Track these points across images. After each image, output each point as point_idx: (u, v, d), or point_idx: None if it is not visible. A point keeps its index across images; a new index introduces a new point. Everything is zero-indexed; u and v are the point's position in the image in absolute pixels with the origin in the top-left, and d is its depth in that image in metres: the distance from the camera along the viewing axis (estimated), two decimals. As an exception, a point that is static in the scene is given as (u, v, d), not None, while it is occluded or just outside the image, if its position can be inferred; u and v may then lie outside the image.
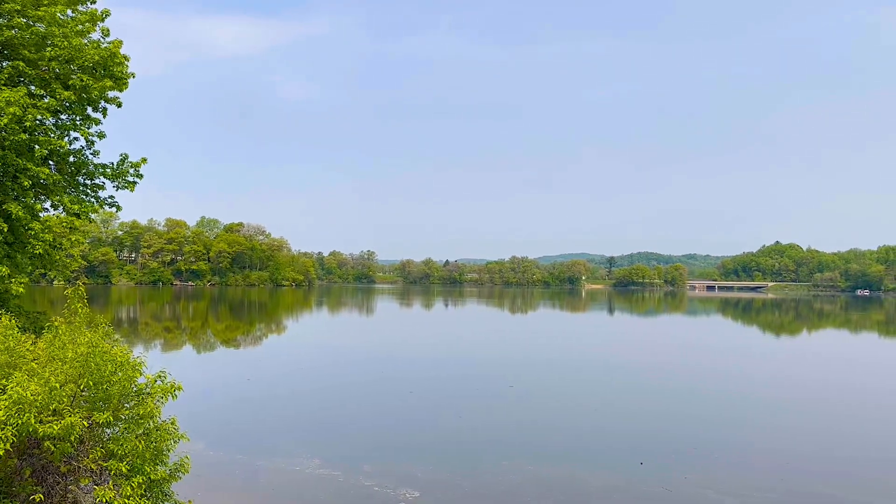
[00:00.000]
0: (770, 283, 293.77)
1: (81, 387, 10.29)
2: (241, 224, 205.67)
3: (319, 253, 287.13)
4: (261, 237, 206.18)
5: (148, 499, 10.38)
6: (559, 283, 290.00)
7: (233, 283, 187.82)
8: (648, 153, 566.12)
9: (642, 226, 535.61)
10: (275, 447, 18.92)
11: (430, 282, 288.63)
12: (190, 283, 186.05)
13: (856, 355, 51.92)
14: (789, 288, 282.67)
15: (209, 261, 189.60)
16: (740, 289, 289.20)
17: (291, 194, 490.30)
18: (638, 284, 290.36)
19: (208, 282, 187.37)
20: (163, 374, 11.18)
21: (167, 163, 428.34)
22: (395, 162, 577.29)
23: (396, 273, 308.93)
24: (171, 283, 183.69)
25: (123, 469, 9.81)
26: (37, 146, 15.84)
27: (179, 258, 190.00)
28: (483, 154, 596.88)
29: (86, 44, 16.79)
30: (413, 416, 23.58)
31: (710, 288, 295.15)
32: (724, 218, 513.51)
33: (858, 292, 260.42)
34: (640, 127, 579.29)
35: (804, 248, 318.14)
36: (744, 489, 15.78)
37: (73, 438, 9.64)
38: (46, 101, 16.12)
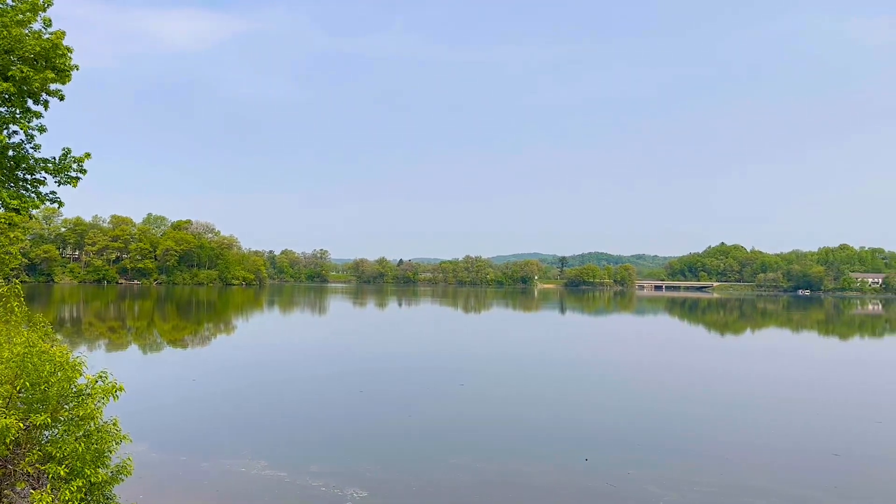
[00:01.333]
0: (715, 283, 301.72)
1: (18, 388, 10.05)
2: (189, 221, 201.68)
3: (271, 251, 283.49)
4: (210, 235, 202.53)
5: (88, 502, 10.19)
6: (512, 283, 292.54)
7: (180, 281, 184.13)
8: (597, 155, 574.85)
9: (593, 226, 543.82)
10: (220, 448, 18.70)
11: (384, 281, 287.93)
12: (136, 281, 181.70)
13: (799, 352, 53.77)
14: (734, 288, 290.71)
15: (156, 259, 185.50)
16: (687, 288, 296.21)
17: (242, 192, 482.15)
18: (589, 284, 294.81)
19: (155, 280, 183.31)
20: (104, 375, 10.98)
21: (114, 158, 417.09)
22: (349, 160, 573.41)
23: (350, 272, 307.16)
24: (117, 282, 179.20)
25: (62, 472, 9.61)
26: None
27: (125, 256, 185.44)
28: (437, 153, 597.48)
29: (26, 34, 16.29)
30: (363, 415, 23.55)
31: (658, 288, 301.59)
32: (672, 219, 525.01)
33: (800, 292, 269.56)
34: (587, 130, 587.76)
35: (748, 250, 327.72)
36: (685, 483, 16.25)
37: (8, 441, 9.41)
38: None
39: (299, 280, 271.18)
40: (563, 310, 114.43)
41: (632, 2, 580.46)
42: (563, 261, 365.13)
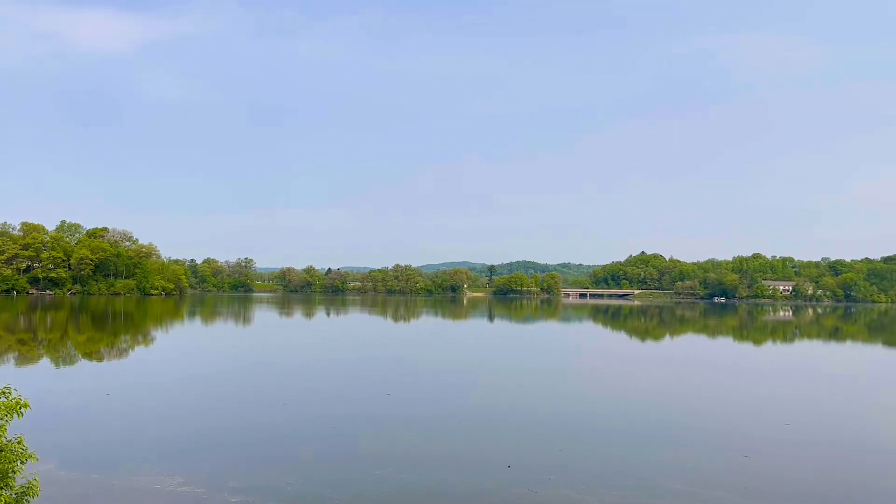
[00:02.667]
0: (636, 291, 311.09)
1: None
2: (105, 229, 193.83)
3: (192, 260, 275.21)
4: (127, 243, 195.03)
5: (-12, 526, 9.70)
6: (442, 291, 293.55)
7: (96, 291, 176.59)
8: (526, 167, 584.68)
9: (521, 235, 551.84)
10: (134, 465, 18.03)
11: (312, 290, 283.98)
12: (48, 291, 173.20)
13: (712, 357, 55.97)
14: (654, 295, 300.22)
15: (70, 268, 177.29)
16: (610, 296, 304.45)
17: (163, 198, 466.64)
18: (517, 292, 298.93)
19: (69, 290, 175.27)
20: (7, 391, 10.51)
21: (25, 163, 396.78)
22: (277, 166, 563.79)
23: (276, 281, 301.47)
24: (28, 292, 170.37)
25: (-41, 495, 9.11)
26: None
27: (37, 265, 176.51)
28: (367, 160, 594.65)
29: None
30: (285, 429, 23.16)
31: (583, 295, 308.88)
32: (596, 228, 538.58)
33: (715, 299, 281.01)
34: (518, 140, 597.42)
35: (667, 258, 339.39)
36: (602, 487, 16.69)
37: None
38: None
39: (222, 290, 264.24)
40: (491, 318, 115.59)
41: (565, 21, 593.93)
42: (491, 269, 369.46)
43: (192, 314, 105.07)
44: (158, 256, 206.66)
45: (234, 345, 57.78)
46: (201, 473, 17.29)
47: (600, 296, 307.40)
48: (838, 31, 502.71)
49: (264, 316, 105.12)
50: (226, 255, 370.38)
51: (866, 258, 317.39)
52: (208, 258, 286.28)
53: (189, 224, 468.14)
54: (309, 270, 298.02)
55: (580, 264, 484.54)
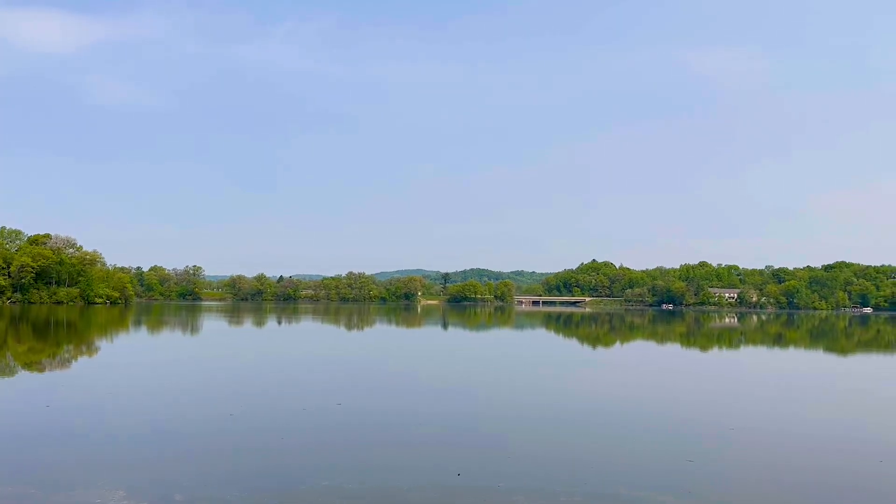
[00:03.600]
0: (588, 298, 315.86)
1: None
2: (48, 236, 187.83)
3: (139, 268, 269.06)
4: (71, 250, 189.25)
5: None
6: (396, 299, 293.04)
7: (37, 300, 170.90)
8: (481, 175, 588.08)
9: (475, 243, 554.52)
10: (74, 480, 17.43)
11: (263, 298, 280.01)
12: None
13: (659, 363, 57.06)
14: (604, 303, 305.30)
15: (10, 276, 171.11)
16: (562, 303, 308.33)
17: (109, 205, 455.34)
18: (471, 300, 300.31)
19: (8, 299, 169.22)
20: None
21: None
22: (226, 173, 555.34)
23: (226, 290, 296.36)
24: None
25: None
26: None
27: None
28: (318, 169, 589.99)
29: None
30: (231, 439, 22.69)
31: (536, 303, 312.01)
32: (548, 236, 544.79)
33: (663, 306, 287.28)
34: (473, 151, 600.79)
35: (617, 266, 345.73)
36: (550, 493, 16.81)
37: None
38: None
39: (169, 298, 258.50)
40: (444, 326, 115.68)
41: (520, 30, 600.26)
42: (445, 277, 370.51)
43: (136, 323, 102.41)
44: (103, 264, 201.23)
45: (180, 354, 56.47)
46: (145, 487, 16.81)
47: (553, 303, 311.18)
48: (787, 43, 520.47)
49: (212, 325, 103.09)
50: (174, 262, 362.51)
51: (808, 266, 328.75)
52: (155, 266, 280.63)
53: (135, 231, 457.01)
54: (260, 278, 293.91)
55: (533, 272, 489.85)
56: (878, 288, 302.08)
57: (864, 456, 22.05)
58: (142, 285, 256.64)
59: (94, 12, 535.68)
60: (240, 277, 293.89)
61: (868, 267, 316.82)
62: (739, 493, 17.54)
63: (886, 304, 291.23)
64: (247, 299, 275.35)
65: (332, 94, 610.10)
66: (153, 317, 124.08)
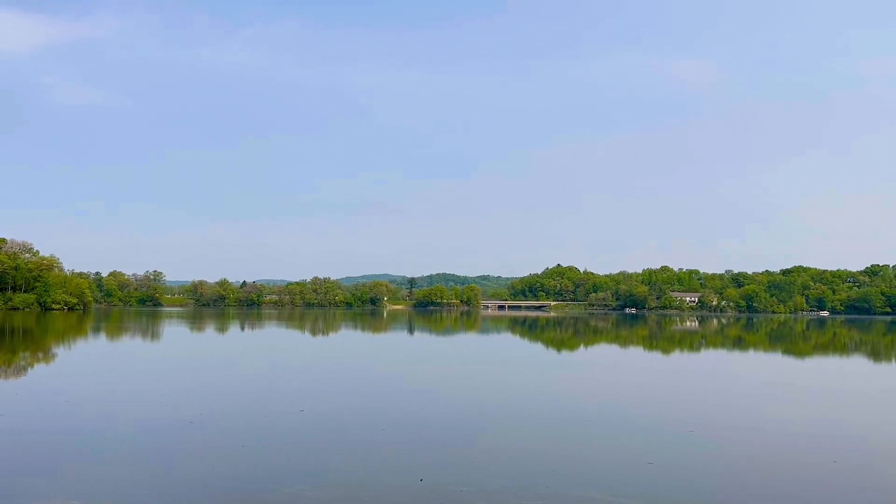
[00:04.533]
0: (553, 303, 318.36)
1: None
2: (3, 240, 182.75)
3: (98, 273, 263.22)
4: (27, 255, 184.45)
5: None
6: (361, 304, 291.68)
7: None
8: (445, 181, 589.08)
9: (442, 248, 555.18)
10: (26, 489, 16.92)
11: (226, 304, 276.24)
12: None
13: (623, 365, 57.66)
14: (569, 307, 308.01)
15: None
16: (527, 308, 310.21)
17: (67, 208, 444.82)
18: (437, 304, 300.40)
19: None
20: None
21: None
22: (187, 176, 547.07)
23: (187, 295, 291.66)
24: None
25: None
26: None
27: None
28: (281, 171, 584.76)
29: None
30: (190, 447, 22.29)
31: (501, 307, 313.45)
32: (514, 241, 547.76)
33: (627, 310, 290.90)
34: (439, 153, 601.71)
35: (581, 271, 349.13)
36: (513, 497, 16.84)
37: None
38: None
39: (129, 304, 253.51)
40: (411, 330, 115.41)
41: (482, 35, 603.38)
42: (412, 282, 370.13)
43: (95, 330, 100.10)
44: (61, 269, 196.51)
45: (137, 361, 55.31)
46: (101, 496, 16.41)
47: (518, 307, 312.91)
48: (738, 56, 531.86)
49: (172, 331, 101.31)
50: (134, 268, 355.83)
51: (767, 271, 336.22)
52: (114, 271, 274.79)
53: (94, 236, 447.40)
54: (222, 283, 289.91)
55: (499, 276, 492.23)
56: (834, 292, 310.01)
57: (818, 456, 22.55)
58: (101, 291, 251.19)
59: (51, 12, 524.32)
60: (201, 283, 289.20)
61: (825, 271, 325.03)
62: (697, 494, 17.78)
63: (842, 308, 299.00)
64: (209, 305, 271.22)
65: (297, 96, 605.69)
66: (112, 323, 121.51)
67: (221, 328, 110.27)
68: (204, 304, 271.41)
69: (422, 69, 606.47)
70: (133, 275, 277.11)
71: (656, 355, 73.56)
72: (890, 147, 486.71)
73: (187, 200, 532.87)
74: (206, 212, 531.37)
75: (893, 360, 72.33)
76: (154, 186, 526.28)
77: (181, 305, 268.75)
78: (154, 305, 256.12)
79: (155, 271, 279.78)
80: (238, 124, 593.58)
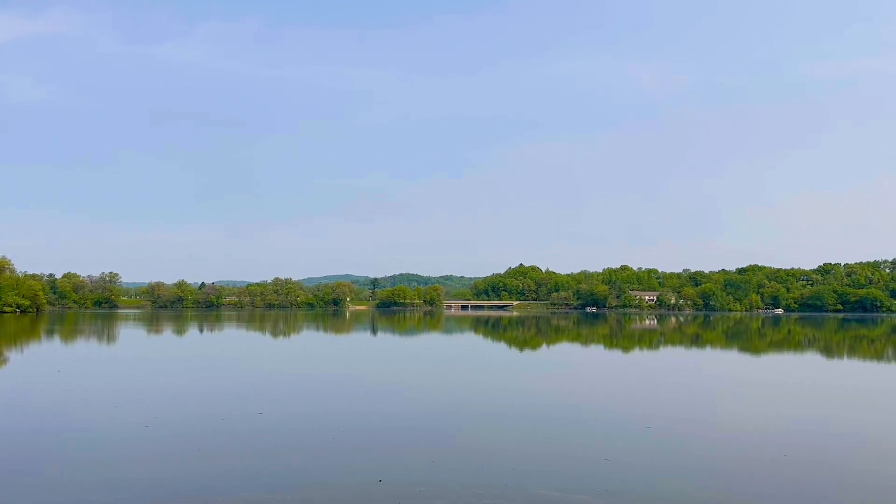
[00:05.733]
0: (515, 302, 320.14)
1: None
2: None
3: (51, 275, 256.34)
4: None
5: None
6: (324, 305, 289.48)
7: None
8: (408, 181, 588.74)
9: (404, 249, 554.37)
10: (-31, 499, 16.39)
11: (184, 306, 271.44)
12: None
13: (582, 363, 58.28)
14: (531, 306, 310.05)
15: None
16: (490, 307, 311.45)
17: (19, 207, 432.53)
18: (400, 305, 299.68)
19: None
20: None
21: None
22: (144, 175, 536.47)
23: (144, 297, 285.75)
24: None
25: None
26: None
27: None
28: (239, 170, 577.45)
29: None
30: (146, 452, 21.84)
31: (465, 307, 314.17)
32: (477, 242, 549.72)
33: (588, 309, 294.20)
34: (402, 155, 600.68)
35: (543, 270, 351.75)
36: (472, 496, 16.89)
37: None
38: None
39: (84, 306, 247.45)
40: (374, 331, 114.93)
41: (451, 35, 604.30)
42: (374, 282, 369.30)
43: (49, 332, 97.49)
44: (13, 271, 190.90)
45: (92, 364, 53.99)
46: (53, 502, 15.99)
47: (481, 307, 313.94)
48: (696, 59, 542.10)
49: (128, 333, 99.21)
50: (89, 269, 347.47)
51: (723, 270, 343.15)
52: (68, 272, 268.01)
53: (47, 237, 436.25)
54: (180, 285, 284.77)
55: (462, 276, 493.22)
56: (788, 290, 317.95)
57: (770, 450, 23.07)
58: (55, 293, 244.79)
59: (4, 7, 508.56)
60: (159, 284, 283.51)
61: (779, 270, 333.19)
62: (651, 489, 18.06)
63: (796, 306, 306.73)
64: (166, 307, 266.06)
65: (259, 93, 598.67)
66: (66, 326, 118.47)
67: (179, 330, 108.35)
68: (161, 306, 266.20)
69: (386, 69, 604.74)
70: (88, 276, 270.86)
71: (616, 353, 74.54)
72: (841, 148, 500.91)
73: (144, 200, 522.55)
74: (163, 212, 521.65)
75: (845, 356, 74.46)
76: (110, 186, 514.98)
77: (138, 307, 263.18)
78: (110, 307, 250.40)
79: (111, 273, 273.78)
80: (197, 122, 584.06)
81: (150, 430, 25.03)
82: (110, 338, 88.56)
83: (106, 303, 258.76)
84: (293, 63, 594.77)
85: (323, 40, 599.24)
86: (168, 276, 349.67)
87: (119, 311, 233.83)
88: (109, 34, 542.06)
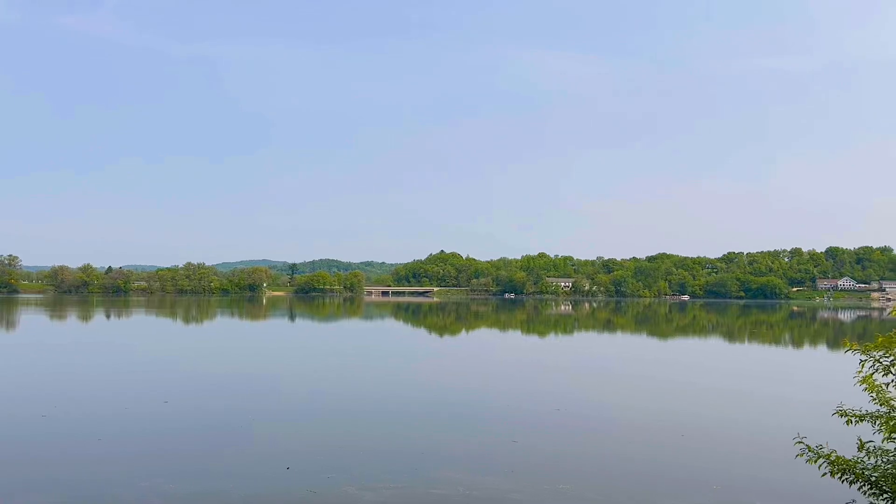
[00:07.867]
0: (436, 288, 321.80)
1: None
2: None
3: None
4: None
5: None
6: (239, 291, 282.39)
7: None
8: (323, 166, 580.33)
9: (324, 234, 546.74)
10: None
11: (89, 291, 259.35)
12: None
13: (499, 349, 59.35)
14: (451, 292, 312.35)
15: None
16: (411, 293, 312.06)
17: None
18: (319, 291, 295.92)
19: None
20: None
21: None
22: (44, 152, 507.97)
23: (47, 281, 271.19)
24: None
25: None
26: None
27: None
28: (153, 145, 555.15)
29: None
30: (45, 444, 20.92)
31: (385, 293, 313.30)
32: (398, 227, 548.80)
33: (506, 295, 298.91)
34: (316, 138, 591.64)
35: (464, 257, 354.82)
36: (381, 483, 17.03)
37: None
38: None
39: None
40: (291, 317, 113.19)
41: (372, 24, 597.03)
42: (293, 268, 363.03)
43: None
44: None
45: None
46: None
47: (402, 293, 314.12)
48: (614, 49, 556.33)
49: (28, 319, 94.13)
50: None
51: (634, 257, 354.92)
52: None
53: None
54: (86, 269, 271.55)
55: (383, 262, 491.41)
56: (694, 277, 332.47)
57: (669, 430, 24.22)
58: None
59: None
60: (62, 268, 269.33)
61: (686, 258, 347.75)
62: (558, 469, 18.68)
63: (702, 293, 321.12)
64: (70, 292, 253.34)
65: (165, 69, 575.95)
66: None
67: (83, 316, 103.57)
68: (65, 292, 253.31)
69: (307, 49, 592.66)
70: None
71: (532, 338, 76.21)
72: (751, 150, 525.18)
73: (46, 179, 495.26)
74: (67, 192, 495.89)
75: (745, 340, 78.70)
76: (9, 162, 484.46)
77: (40, 292, 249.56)
78: (9, 293, 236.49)
79: (10, 256, 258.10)
80: (97, 95, 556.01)
81: (48, 422, 23.94)
82: (9, 324, 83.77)
83: (5, 287, 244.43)
84: (204, 38, 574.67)
85: (238, 15, 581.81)
86: (74, 261, 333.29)
87: (20, 296, 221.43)
88: (9, 6, 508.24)
